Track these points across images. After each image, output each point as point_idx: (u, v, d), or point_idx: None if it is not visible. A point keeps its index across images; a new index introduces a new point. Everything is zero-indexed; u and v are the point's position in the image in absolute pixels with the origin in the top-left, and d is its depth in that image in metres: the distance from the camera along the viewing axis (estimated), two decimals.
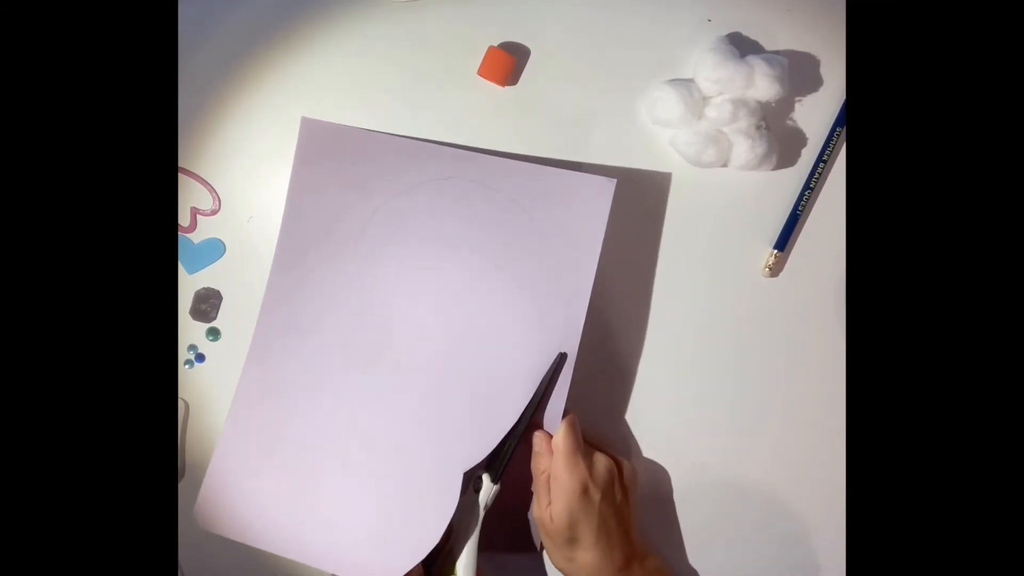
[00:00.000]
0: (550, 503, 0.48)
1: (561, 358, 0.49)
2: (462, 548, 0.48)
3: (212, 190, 0.55)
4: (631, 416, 0.55)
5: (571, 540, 0.48)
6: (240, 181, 0.55)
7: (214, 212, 0.55)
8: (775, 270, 0.55)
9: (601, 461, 0.49)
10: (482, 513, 0.49)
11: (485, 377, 0.50)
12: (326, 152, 0.52)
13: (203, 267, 0.55)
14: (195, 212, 0.55)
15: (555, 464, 0.48)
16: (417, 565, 0.49)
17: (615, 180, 0.50)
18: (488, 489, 0.49)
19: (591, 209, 0.50)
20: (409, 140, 0.52)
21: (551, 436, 0.49)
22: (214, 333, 0.56)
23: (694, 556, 0.51)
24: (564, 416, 0.49)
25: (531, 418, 0.49)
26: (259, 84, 0.55)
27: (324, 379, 0.52)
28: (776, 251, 0.54)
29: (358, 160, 0.52)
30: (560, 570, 0.50)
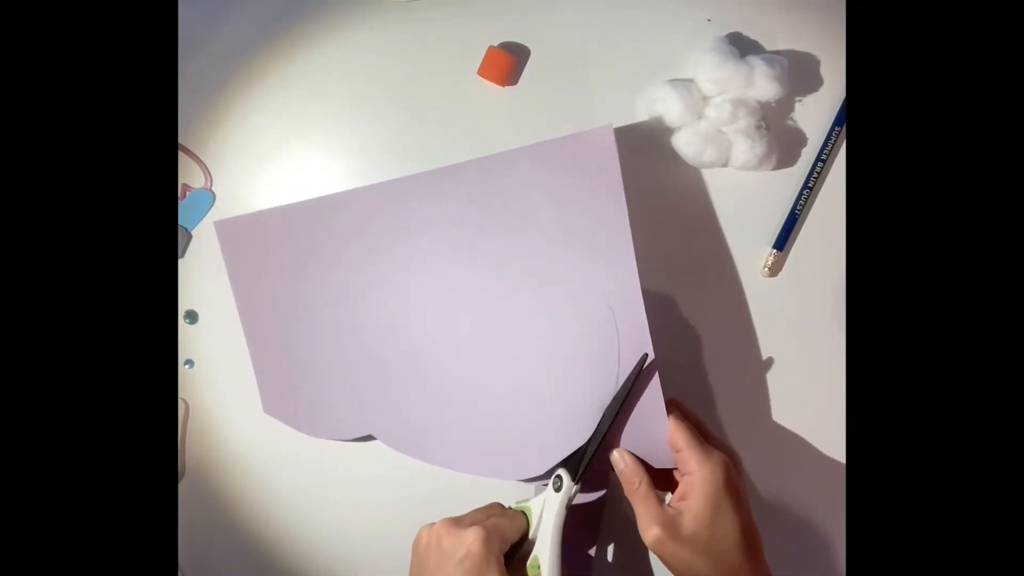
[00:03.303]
0: (671, 505, 0.45)
1: (643, 359, 0.47)
2: (545, 545, 0.47)
3: (204, 168, 0.55)
4: None
5: (709, 541, 0.43)
6: (240, 181, 0.55)
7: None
8: (774, 270, 0.55)
9: (725, 453, 0.46)
10: (565, 511, 0.47)
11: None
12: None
13: (199, 220, 0.56)
14: (186, 188, 0.56)
15: (685, 459, 0.45)
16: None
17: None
18: (568, 487, 0.47)
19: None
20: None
21: (629, 453, 0.47)
22: (191, 315, 0.56)
23: None
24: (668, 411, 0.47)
25: (612, 421, 0.47)
26: (259, 84, 0.55)
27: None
28: (775, 251, 0.54)
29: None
30: None
